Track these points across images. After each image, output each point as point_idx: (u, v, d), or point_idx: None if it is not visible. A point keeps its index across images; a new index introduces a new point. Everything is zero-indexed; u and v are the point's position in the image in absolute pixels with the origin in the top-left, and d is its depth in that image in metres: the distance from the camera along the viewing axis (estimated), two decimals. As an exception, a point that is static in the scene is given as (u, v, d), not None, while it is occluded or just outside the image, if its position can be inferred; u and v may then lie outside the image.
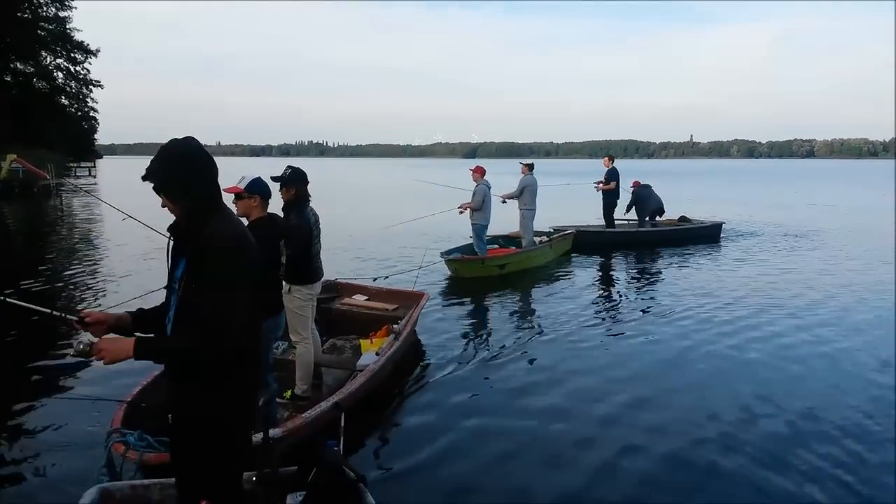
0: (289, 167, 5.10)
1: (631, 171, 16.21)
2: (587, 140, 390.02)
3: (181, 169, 2.28)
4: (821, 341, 7.12)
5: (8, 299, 2.72)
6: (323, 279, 5.50)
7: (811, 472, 4.21)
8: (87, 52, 53.30)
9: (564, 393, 5.65)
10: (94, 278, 11.00)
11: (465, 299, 9.27)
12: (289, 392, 5.16)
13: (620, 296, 9.80)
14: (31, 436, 4.76)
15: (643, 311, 8.67)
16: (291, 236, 4.70)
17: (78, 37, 52.84)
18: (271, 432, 3.60)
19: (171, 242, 2.38)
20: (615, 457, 4.45)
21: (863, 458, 4.41)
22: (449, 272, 10.90)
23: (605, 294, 10.00)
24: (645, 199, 15.71)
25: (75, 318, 2.43)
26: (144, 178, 2.29)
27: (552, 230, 14.04)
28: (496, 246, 11.93)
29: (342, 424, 3.58)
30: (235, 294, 2.20)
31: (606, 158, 15.28)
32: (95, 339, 2.31)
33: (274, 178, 4.81)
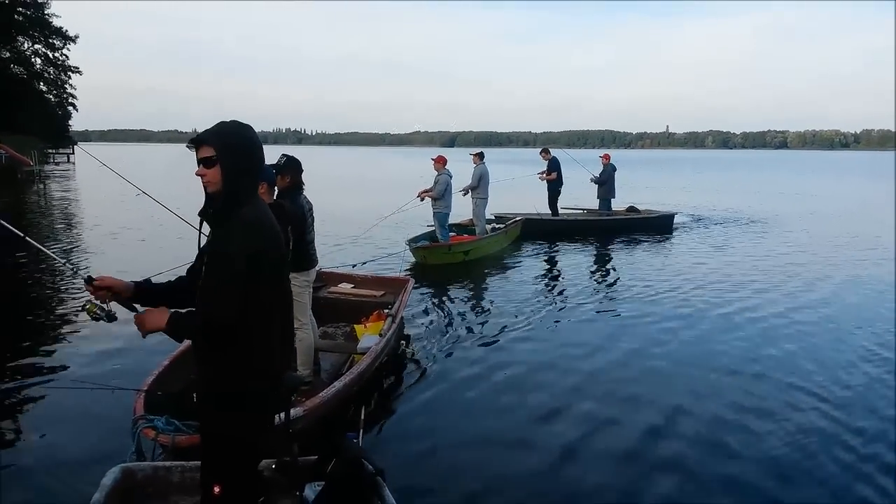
0: (283, 155, 5.19)
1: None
2: (565, 130, 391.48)
3: (244, 148, 2.32)
4: (738, 326, 7.61)
5: (27, 238, 2.80)
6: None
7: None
8: (66, 38, 52.67)
9: (566, 370, 6.03)
10: (87, 260, 11.48)
11: (435, 285, 9.59)
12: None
13: (575, 279, 10.45)
14: (49, 425, 4.82)
15: (597, 291, 9.57)
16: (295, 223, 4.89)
17: (56, 23, 52.40)
18: (291, 412, 3.90)
19: (202, 226, 2.41)
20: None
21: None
22: (414, 259, 11.17)
23: (562, 277, 10.70)
24: (613, 179, 16.30)
25: (83, 276, 2.44)
26: (199, 142, 2.29)
27: (493, 217, 14.37)
28: (453, 234, 12.22)
29: (362, 417, 3.65)
30: (236, 269, 2.20)
31: (543, 151, 15.84)
32: (103, 304, 2.37)
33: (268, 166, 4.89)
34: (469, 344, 6.89)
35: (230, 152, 2.27)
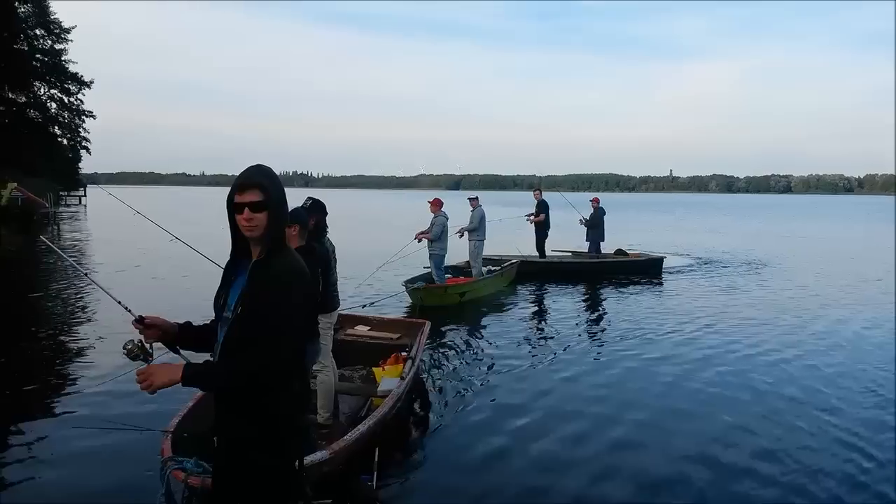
0: (309, 198, 5.30)
1: (610, 203, 17.22)
2: (569, 173, 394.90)
3: (283, 193, 2.32)
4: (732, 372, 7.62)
5: (89, 275, 3.04)
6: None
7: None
8: (81, 83, 54.23)
9: (576, 415, 6.10)
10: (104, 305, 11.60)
11: (434, 327, 9.28)
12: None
13: (570, 321, 10.58)
14: (74, 466, 4.85)
15: (593, 333, 9.77)
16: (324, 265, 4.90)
17: (72, 68, 53.89)
18: (317, 455, 3.95)
19: (229, 272, 2.39)
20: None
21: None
22: (411, 301, 11.36)
23: (558, 320, 10.74)
24: (602, 223, 16.55)
25: (135, 315, 2.38)
26: (249, 186, 2.23)
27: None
28: (449, 276, 12.47)
29: (376, 459, 3.66)
30: (293, 322, 2.22)
31: (536, 191, 16.10)
32: (145, 345, 2.31)
33: (301, 209, 4.90)
34: (478, 385, 6.94)
35: (276, 197, 2.26)
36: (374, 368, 6.66)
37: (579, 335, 9.54)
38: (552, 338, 9.36)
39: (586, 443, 5.45)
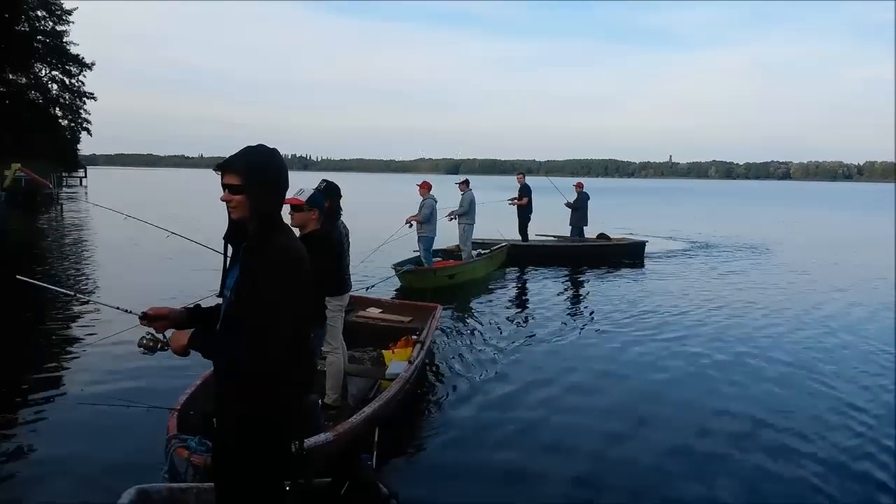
0: (323, 180, 5.29)
1: (610, 189, 17.41)
2: (569, 158, 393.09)
3: (271, 175, 2.27)
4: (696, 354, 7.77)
5: (79, 295, 3.25)
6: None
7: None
8: (83, 65, 54.17)
9: (584, 395, 6.26)
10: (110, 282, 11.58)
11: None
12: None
13: (560, 302, 10.92)
14: (82, 441, 4.93)
15: (585, 315, 10.04)
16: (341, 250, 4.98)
17: (74, 50, 53.82)
18: (321, 437, 4.01)
19: (227, 251, 2.41)
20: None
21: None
22: (400, 283, 11.46)
23: (548, 301, 10.95)
24: (586, 207, 16.70)
25: (138, 314, 2.43)
26: (225, 168, 2.25)
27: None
28: (438, 259, 12.56)
29: (376, 438, 3.67)
30: (283, 310, 2.19)
31: (519, 175, 16.26)
32: (158, 335, 2.36)
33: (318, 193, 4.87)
34: (479, 368, 6.95)
35: (257, 180, 2.23)
36: (383, 351, 6.72)
37: (571, 318, 9.75)
38: (546, 321, 9.47)
39: (588, 429, 5.50)
